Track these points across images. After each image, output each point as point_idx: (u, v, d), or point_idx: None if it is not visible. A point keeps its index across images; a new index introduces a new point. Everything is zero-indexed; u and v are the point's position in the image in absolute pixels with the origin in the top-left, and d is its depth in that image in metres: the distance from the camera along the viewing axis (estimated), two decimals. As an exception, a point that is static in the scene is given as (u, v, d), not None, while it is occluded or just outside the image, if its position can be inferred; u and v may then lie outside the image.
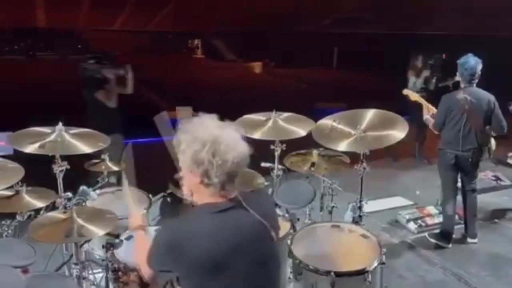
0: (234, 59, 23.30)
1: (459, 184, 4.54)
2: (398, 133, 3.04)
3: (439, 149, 4.40)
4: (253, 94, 15.02)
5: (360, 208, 3.29)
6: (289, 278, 2.81)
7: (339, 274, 2.51)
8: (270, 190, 3.22)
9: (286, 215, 3.02)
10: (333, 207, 3.46)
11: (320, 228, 2.92)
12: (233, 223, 1.73)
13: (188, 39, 28.15)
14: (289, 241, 2.77)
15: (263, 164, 3.46)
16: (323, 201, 3.63)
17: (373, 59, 15.79)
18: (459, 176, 4.46)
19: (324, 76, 17.96)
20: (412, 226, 5.01)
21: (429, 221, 5.06)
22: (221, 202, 1.74)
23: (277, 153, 3.44)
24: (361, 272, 2.54)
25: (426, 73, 7.15)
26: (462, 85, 4.23)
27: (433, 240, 4.67)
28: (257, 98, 14.51)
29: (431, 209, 5.25)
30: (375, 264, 2.61)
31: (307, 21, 19.08)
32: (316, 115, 3.50)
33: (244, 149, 1.73)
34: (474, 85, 4.19)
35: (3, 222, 2.67)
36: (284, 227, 2.92)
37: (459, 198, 4.59)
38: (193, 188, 1.77)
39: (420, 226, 4.99)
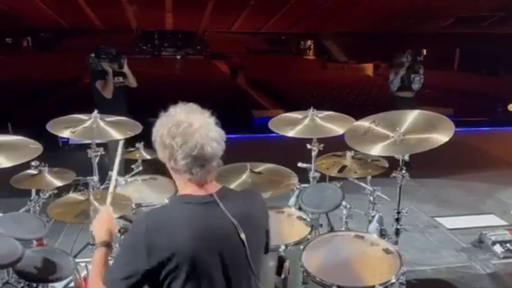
0: (345, 60, 22.78)
1: None
2: (441, 136, 2.64)
3: None
4: (361, 95, 14.51)
5: (397, 220, 2.93)
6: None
7: (343, 289, 2.27)
8: (296, 192, 3.04)
9: (308, 219, 2.83)
10: (373, 216, 3.14)
11: (341, 237, 2.68)
12: (206, 218, 1.68)
13: (301, 40, 28.30)
14: (302, 247, 2.59)
15: (300, 165, 3.30)
16: (370, 210, 3.31)
17: (505, 61, 14.20)
18: None
19: (441, 79, 16.56)
20: (498, 249, 4.37)
21: (521, 246, 4.36)
22: (199, 195, 1.71)
23: (314, 153, 3.25)
24: (370, 290, 2.27)
25: (402, 71, 6.42)
26: None
27: None
28: (364, 100, 14.00)
29: (526, 233, 4.52)
30: (391, 281, 2.31)
31: (426, 21, 17.85)
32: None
33: (212, 134, 1.68)
34: None
35: (31, 198, 2.96)
36: (302, 231, 2.75)
37: None
38: (174, 178, 1.78)
39: (508, 250, 4.32)
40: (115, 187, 2.17)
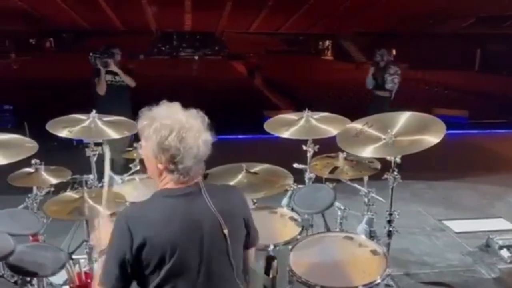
0: (363, 60, 22.52)
1: None
2: (432, 138, 2.62)
3: None
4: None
5: (389, 222, 2.91)
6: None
7: (325, 290, 2.28)
8: (289, 193, 3.05)
9: (299, 219, 2.84)
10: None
11: (330, 238, 2.68)
12: (185, 210, 1.71)
13: (319, 41, 28.17)
14: (290, 247, 2.61)
15: (295, 165, 3.31)
16: (365, 211, 3.30)
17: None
18: None
19: (461, 80, 16.27)
20: (505, 253, 4.30)
21: (529, 250, 4.28)
22: (179, 187, 1.74)
23: (309, 154, 3.26)
24: (352, 291, 2.27)
25: (372, 70, 6.48)
26: None
27: None
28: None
29: (535, 237, 4.43)
30: (376, 282, 2.31)
31: (446, 21, 17.53)
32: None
33: (208, 137, 1.73)
34: None
35: (29, 195, 3.05)
36: (293, 231, 2.77)
37: None
38: (156, 173, 1.79)
39: (515, 255, 4.24)
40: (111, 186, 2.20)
